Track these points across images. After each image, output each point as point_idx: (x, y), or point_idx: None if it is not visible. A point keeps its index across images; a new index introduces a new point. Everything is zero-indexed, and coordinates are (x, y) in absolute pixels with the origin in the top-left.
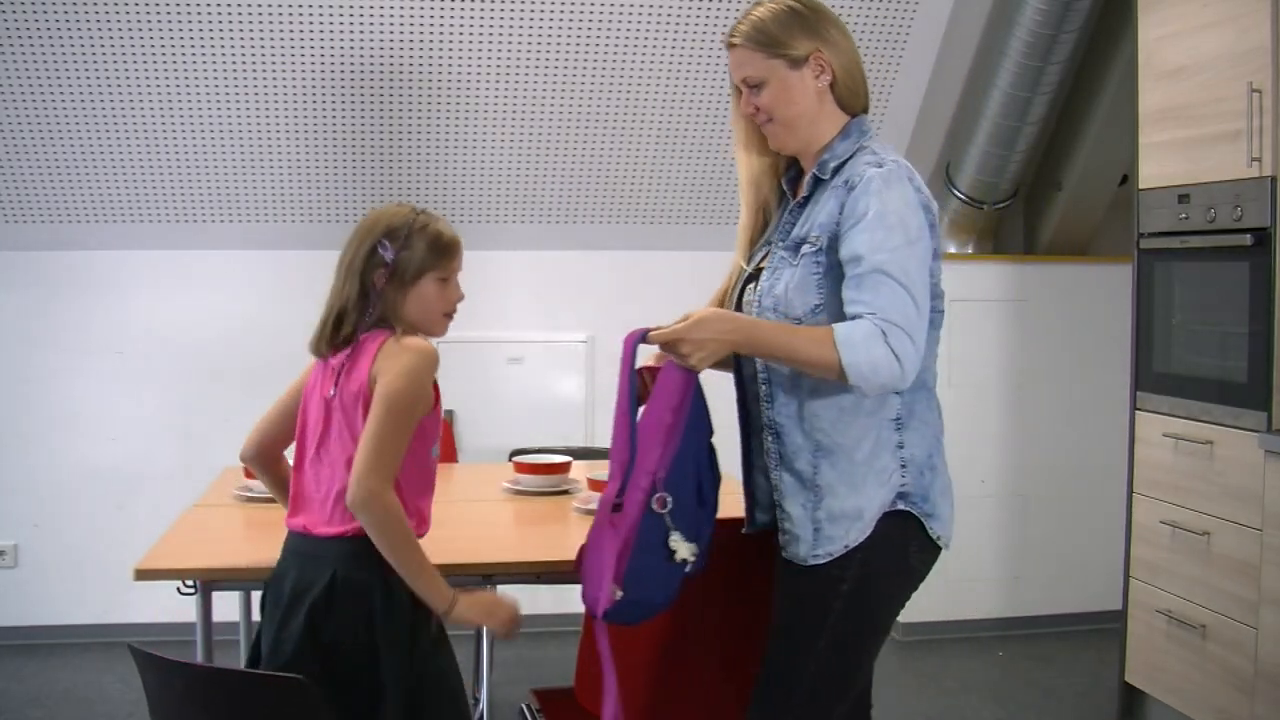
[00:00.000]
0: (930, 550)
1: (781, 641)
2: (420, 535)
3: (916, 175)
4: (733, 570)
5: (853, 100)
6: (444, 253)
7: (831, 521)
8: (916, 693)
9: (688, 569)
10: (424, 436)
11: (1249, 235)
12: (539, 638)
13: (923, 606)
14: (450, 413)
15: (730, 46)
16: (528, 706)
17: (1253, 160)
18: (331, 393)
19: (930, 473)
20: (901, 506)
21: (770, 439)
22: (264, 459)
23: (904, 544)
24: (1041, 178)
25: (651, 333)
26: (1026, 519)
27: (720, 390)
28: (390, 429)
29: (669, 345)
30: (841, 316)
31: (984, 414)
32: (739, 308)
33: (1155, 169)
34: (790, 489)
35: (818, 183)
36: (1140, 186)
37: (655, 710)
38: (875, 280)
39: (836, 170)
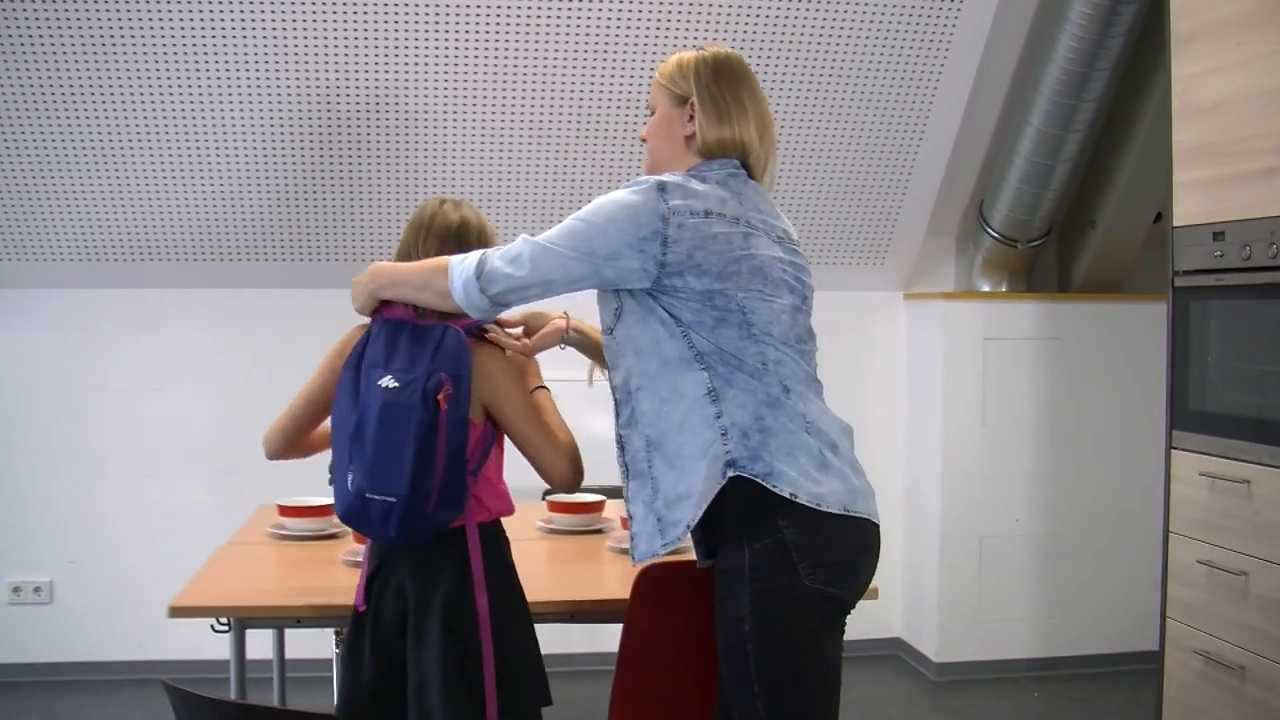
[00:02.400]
0: (803, 516)
1: (727, 682)
2: (508, 513)
3: (682, 191)
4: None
5: (719, 154)
6: (492, 237)
7: (668, 507)
8: None
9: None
10: None
11: None
12: (574, 676)
13: (956, 646)
14: None
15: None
16: None
17: None
18: None
19: (761, 434)
20: (733, 474)
21: (619, 453)
22: None
23: (774, 524)
24: (1075, 215)
25: None
26: (1061, 558)
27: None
28: (541, 420)
29: None
30: (640, 332)
31: (1018, 452)
32: None
33: (1189, 206)
34: (634, 493)
35: None
36: (1174, 224)
37: None
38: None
39: None
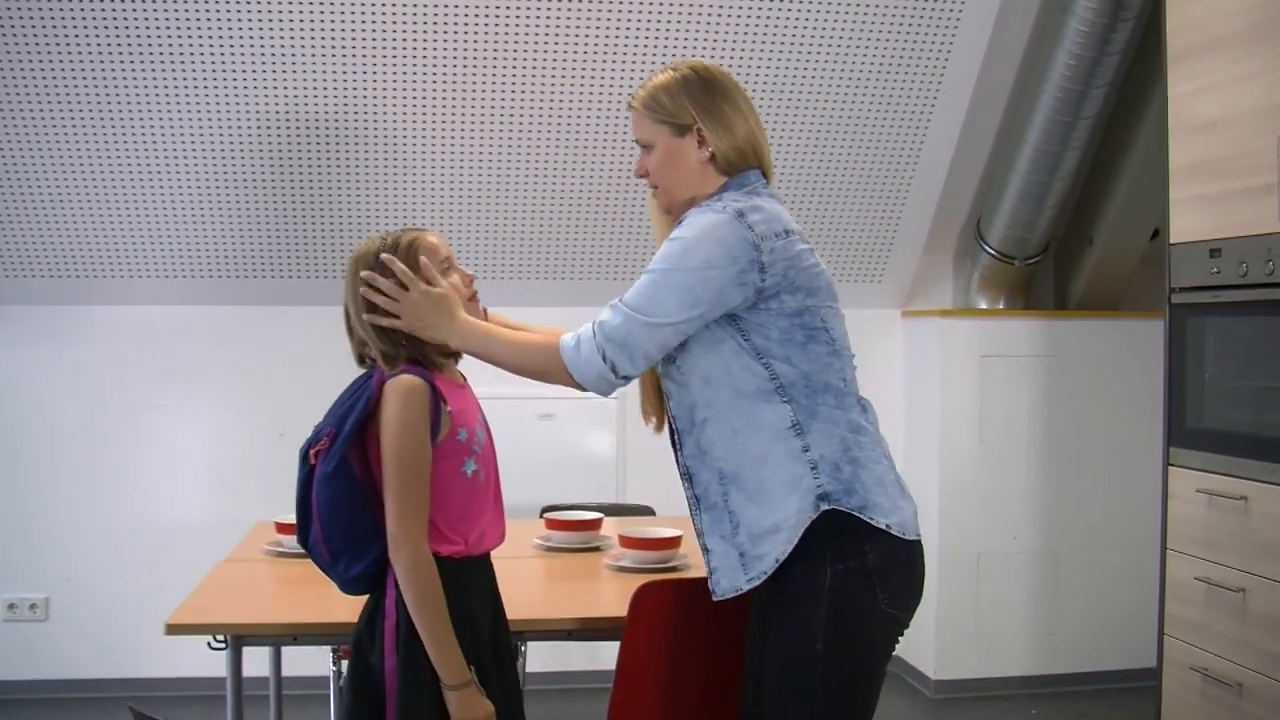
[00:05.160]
0: (888, 543)
1: (776, 696)
2: (492, 547)
3: (758, 214)
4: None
5: (741, 165)
6: (430, 254)
7: (754, 542)
8: None
9: None
10: (446, 460)
11: None
12: (570, 694)
13: (954, 663)
14: None
15: (630, 108)
16: None
17: None
18: None
19: (851, 465)
20: (826, 508)
21: (686, 485)
22: None
23: (859, 548)
24: (1072, 233)
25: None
26: (1059, 575)
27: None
28: (402, 483)
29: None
30: (709, 362)
31: (1016, 469)
32: None
33: (1186, 223)
34: (709, 526)
35: None
36: (1171, 241)
37: None
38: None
39: None
